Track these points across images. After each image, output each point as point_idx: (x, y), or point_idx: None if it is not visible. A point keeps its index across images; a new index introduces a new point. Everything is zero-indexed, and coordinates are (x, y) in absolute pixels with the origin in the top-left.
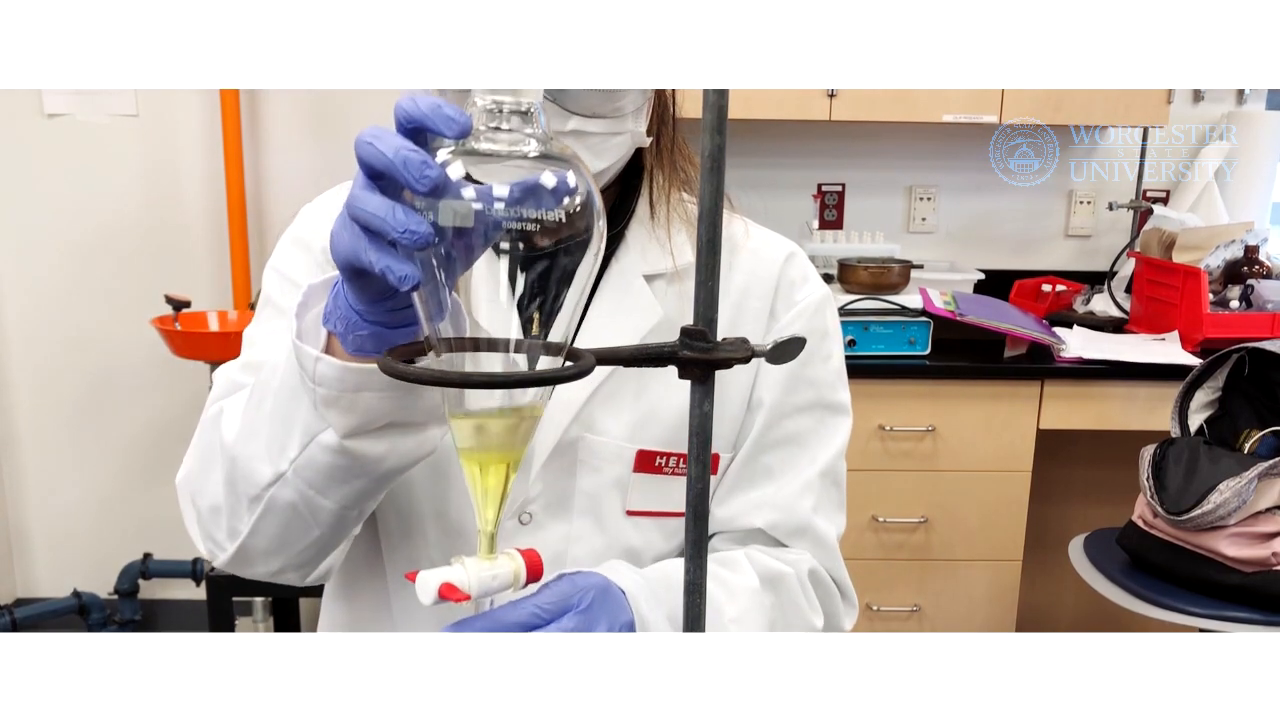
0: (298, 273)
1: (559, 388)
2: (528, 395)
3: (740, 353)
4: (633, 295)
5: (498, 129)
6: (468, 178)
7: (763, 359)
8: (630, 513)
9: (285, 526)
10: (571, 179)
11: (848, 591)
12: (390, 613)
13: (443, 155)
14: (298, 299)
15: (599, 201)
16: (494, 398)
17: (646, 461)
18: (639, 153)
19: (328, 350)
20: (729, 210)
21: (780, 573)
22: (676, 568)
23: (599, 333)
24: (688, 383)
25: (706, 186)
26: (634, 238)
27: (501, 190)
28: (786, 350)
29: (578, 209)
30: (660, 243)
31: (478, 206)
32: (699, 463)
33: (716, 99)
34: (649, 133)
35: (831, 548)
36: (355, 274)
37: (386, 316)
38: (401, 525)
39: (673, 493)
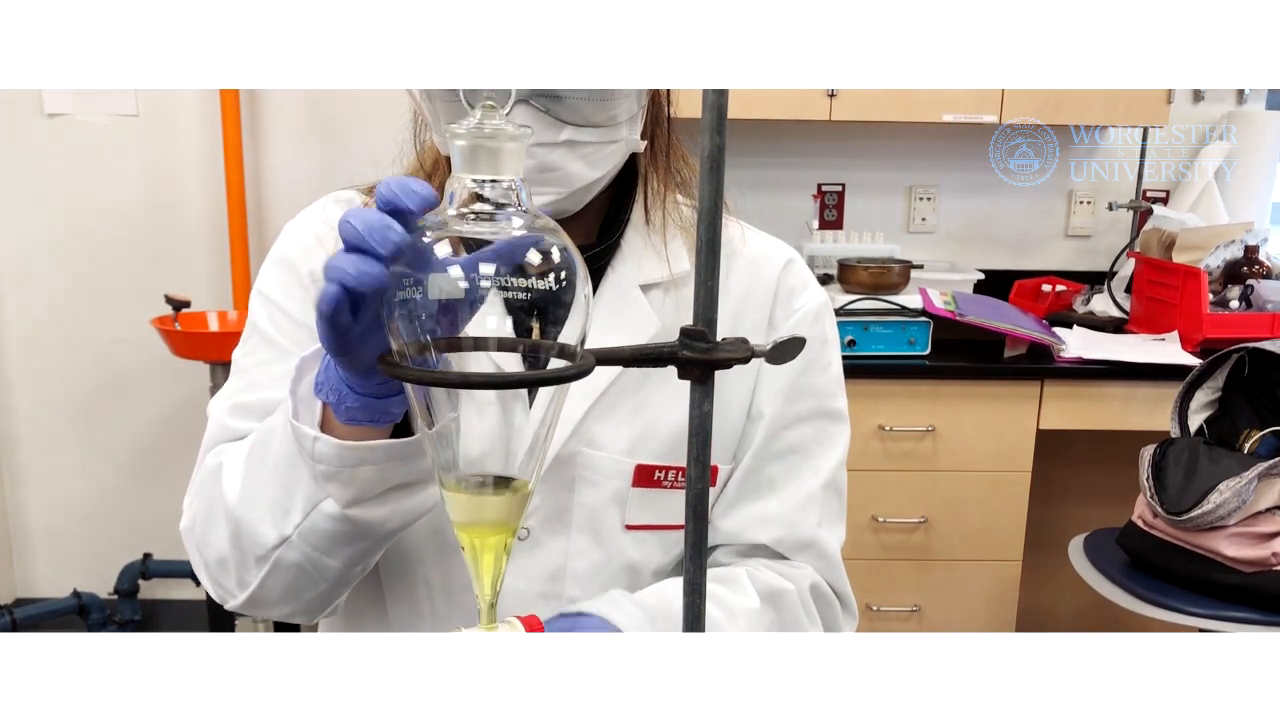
0: (282, 296)
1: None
2: (517, 464)
3: (740, 353)
4: (629, 306)
5: (481, 205)
6: (466, 246)
7: (762, 361)
8: (629, 527)
9: (293, 582)
10: (555, 254)
11: (848, 601)
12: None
13: (430, 234)
14: (287, 348)
15: (583, 271)
16: (485, 470)
17: (645, 476)
18: (633, 156)
19: (323, 418)
20: (726, 214)
21: (781, 589)
22: (676, 591)
23: (595, 346)
24: (686, 397)
25: (706, 187)
26: (629, 247)
27: (487, 267)
28: (786, 350)
29: (562, 282)
30: (656, 250)
31: (463, 284)
32: (698, 463)
33: (716, 99)
34: (643, 135)
35: (834, 560)
36: (339, 349)
37: (376, 388)
38: (397, 546)
39: (672, 506)
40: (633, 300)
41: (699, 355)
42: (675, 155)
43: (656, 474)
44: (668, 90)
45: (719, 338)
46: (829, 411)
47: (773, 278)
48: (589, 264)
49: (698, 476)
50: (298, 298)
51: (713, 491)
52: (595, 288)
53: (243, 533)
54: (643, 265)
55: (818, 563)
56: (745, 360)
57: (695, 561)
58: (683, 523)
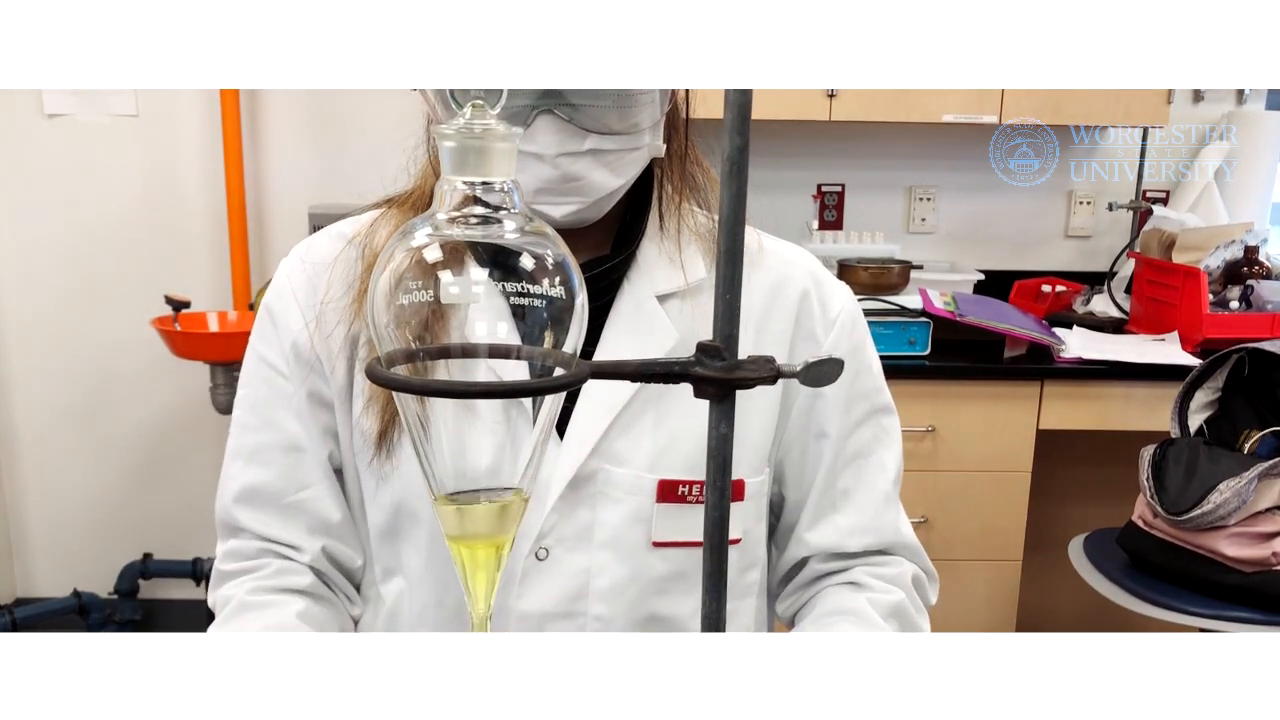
0: (264, 348)
1: (576, 421)
2: (515, 477)
3: (763, 373)
4: (646, 317)
5: (473, 209)
6: (457, 250)
7: (797, 382)
8: (657, 544)
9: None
10: (550, 258)
11: (933, 575)
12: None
13: (420, 238)
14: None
15: (578, 277)
16: (478, 482)
17: (669, 491)
18: (649, 165)
19: None
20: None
21: (898, 604)
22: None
23: (613, 358)
24: (707, 408)
25: (727, 192)
26: (644, 257)
27: (480, 272)
28: (822, 372)
29: (558, 288)
30: (670, 258)
31: (455, 290)
32: (716, 489)
33: (738, 98)
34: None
35: (917, 547)
36: None
37: None
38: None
39: (701, 521)
40: (649, 311)
41: (717, 374)
42: (691, 160)
43: (680, 489)
44: (686, 93)
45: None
46: (880, 408)
47: (799, 288)
48: (605, 276)
49: (715, 504)
50: (274, 347)
51: (743, 506)
52: (612, 299)
53: None
54: (659, 275)
55: (906, 554)
56: (771, 381)
57: (712, 594)
58: None
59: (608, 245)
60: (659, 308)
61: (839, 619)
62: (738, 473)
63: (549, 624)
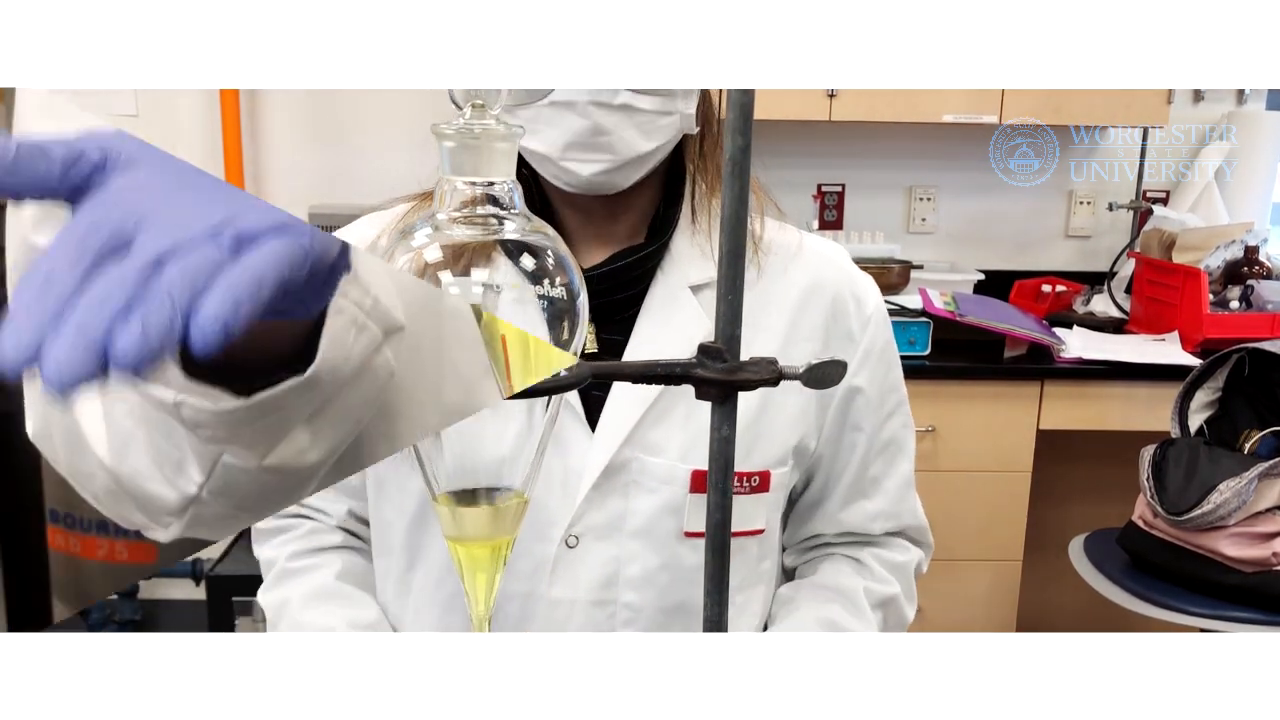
0: None
1: (609, 411)
2: (517, 478)
3: (764, 374)
4: (679, 307)
5: (472, 209)
6: (457, 250)
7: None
8: (688, 534)
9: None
10: (550, 259)
11: (930, 547)
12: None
13: (419, 239)
14: None
15: (579, 277)
16: (477, 483)
17: (702, 482)
18: (681, 155)
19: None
20: (779, 220)
21: (892, 598)
22: (806, 621)
23: (646, 347)
24: (743, 400)
25: (728, 192)
26: (677, 248)
27: (481, 272)
28: (824, 374)
29: (558, 287)
30: (702, 250)
31: (455, 290)
32: (718, 490)
33: (741, 98)
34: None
35: (925, 526)
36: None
37: None
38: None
39: (734, 511)
40: (683, 301)
41: (717, 375)
42: (722, 155)
43: None
44: (720, 90)
45: (775, 343)
46: (903, 398)
47: (835, 286)
48: (640, 264)
49: (717, 505)
50: None
51: (768, 497)
52: (645, 289)
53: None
54: (691, 266)
55: (915, 534)
56: (773, 383)
57: (714, 598)
58: (747, 528)
59: (642, 234)
60: (692, 298)
61: (832, 596)
62: (764, 464)
63: (580, 611)
